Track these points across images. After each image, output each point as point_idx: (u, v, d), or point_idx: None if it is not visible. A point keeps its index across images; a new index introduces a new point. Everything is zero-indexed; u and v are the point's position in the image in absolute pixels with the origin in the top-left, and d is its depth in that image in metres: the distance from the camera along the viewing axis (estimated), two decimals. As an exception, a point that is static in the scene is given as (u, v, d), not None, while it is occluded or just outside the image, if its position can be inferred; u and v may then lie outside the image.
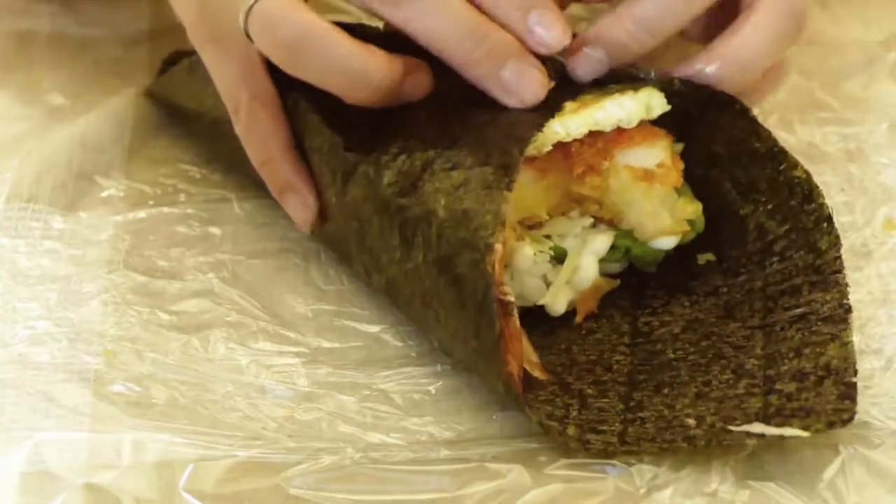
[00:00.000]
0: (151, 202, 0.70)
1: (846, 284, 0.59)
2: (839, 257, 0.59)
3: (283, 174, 0.63)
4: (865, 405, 0.57)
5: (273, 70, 0.62)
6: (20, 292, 0.63)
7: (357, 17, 0.67)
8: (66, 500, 0.53)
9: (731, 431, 0.54)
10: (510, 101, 0.59)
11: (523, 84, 0.59)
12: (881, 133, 0.73)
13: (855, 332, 0.59)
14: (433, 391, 0.59)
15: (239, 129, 0.63)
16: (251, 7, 0.59)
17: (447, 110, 0.60)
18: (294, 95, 0.63)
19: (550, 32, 0.59)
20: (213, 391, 0.59)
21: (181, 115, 0.73)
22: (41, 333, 0.61)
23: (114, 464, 0.55)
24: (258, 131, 0.63)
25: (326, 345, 0.62)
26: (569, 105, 0.59)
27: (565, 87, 0.60)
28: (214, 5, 0.63)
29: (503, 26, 0.59)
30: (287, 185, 0.63)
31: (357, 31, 0.60)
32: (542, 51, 0.59)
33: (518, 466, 0.55)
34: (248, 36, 0.60)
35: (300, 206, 0.62)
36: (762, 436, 0.54)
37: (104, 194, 0.70)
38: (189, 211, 0.69)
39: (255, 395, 0.59)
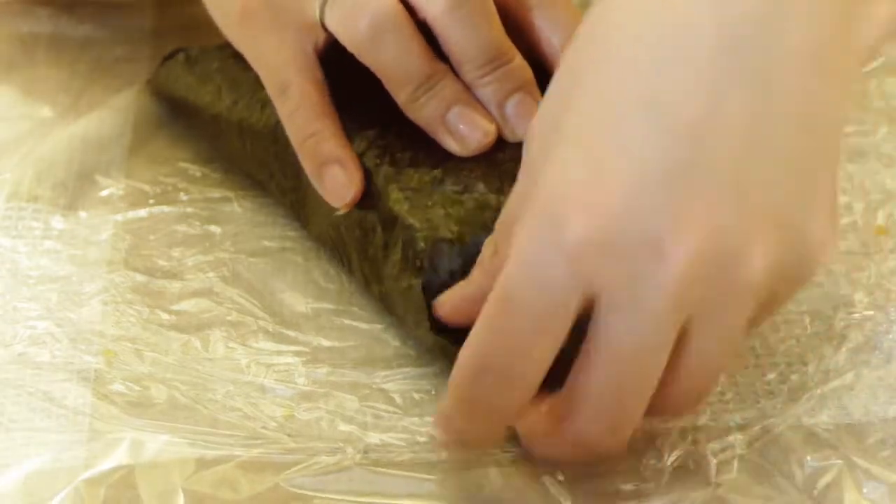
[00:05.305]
0: (152, 201, 0.69)
1: None
2: None
3: (328, 147, 0.62)
4: (864, 405, 0.57)
5: None
6: (20, 292, 0.63)
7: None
8: (66, 500, 0.53)
9: None
10: (452, 146, 0.60)
11: (466, 130, 0.59)
12: (881, 133, 0.73)
13: (854, 332, 0.59)
14: (433, 391, 0.59)
15: (286, 108, 0.63)
16: None
17: None
18: None
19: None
20: (213, 391, 0.59)
21: (181, 109, 0.73)
22: (41, 333, 0.61)
23: (113, 463, 0.55)
24: (307, 107, 0.62)
25: (326, 344, 0.62)
26: None
27: None
28: None
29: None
30: (331, 157, 0.61)
31: None
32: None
33: (516, 472, 0.55)
34: (322, 25, 0.61)
35: (343, 180, 0.61)
36: None
37: (104, 193, 0.70)
38: (189, 210, 0.69)
39: (255, 395, 0.59)
